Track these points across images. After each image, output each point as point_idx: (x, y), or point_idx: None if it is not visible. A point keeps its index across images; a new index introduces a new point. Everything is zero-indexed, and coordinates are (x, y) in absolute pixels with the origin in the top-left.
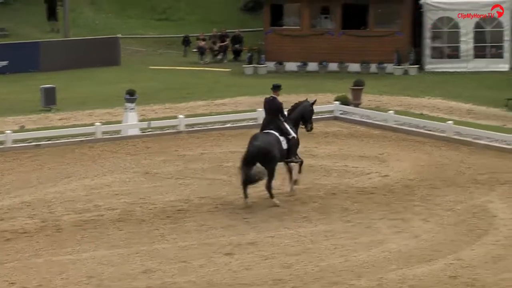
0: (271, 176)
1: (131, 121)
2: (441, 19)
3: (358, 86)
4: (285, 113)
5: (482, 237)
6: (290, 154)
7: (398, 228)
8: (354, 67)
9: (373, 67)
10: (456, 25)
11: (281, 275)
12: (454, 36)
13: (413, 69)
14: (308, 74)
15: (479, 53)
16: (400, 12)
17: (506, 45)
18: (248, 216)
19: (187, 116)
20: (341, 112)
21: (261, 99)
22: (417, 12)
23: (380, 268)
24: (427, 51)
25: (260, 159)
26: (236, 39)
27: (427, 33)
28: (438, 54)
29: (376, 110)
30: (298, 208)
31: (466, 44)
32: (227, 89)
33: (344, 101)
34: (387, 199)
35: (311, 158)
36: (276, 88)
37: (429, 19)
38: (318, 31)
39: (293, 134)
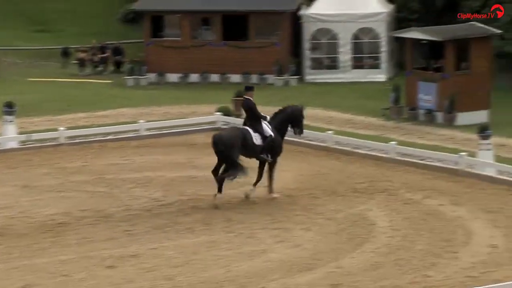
0: (229, 166)
1: (10, 133)
2: (320, 31)
3: (239, 97)
4: (261, 113)
5: (362, 245)
6: (265, 151)
7: (280, 238)
8: (236, 78)
9: (254, 78)
10: (334, 36)
11: (164, 287)
12: (333, 47)
13: (293, 80)
14: (190, 85)
15: (357, 63)
16: (280, 23)
17: (383, 55)
18: (130, 228)
19: (68, 128)
20: (223, 123)
21: (142, 110)
22: (297, 24)
23: (262, 278)
24: (307, 62)
25: (219, 149)
26: (117, 51)
27: (307, 44)
28: (318, 65)
29: None
30: (181, 219)
31: (345, 55)
32: (108, 100)
33: (226, 112)
34: (269, 209)
35: (194, 169)
36: (248, 89)
37: (308, 30)
38: (199, 42)
39: (270, 133)
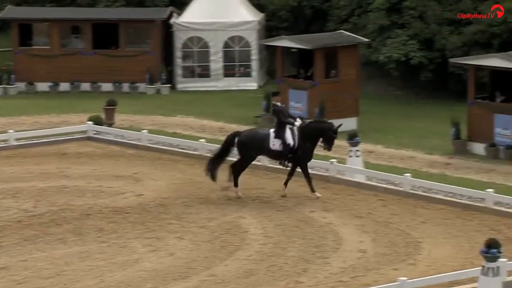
0: (241, 164)
1: None
2: (191, 39)
3: (111, 106)
4: (289, 119)
5: (235, 252)
6: (283, 158)
7: (153, 247)
8: (107, 86)
9: (126, 87)
10: (205, 45)
11: None
12: (204, 55)
13: (165, 89)
14: (60, 94)
15: (229, 72)
16: (150, 31)
17: (254, 64)
18: None
19: None
20: (94, 132)
21: (11, 120)
22: (168, 32)
23: (135, 287)
24: (179, 71)
25: (236, 146)
26: None
27: (178, 53)
28: (189, 73)
29: (130, 130)
30: (53, 230)
31: (216, 63)
32: None
33: (97, 121)
34: (142, 218)
35: (65, 179)
36: (274, 94)
37: (179, 38)
38: (69, 51)
39: (290, 141)
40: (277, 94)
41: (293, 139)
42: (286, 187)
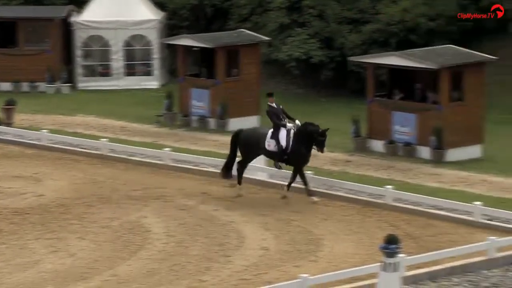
0: (242, 159)
1: None
2: (91, 38)
3: (9, 106)
4: (281, 121)
5: (138, 252)
6: (277, 158)
7: (54, 248)
8: (6, 86)
9: (25, 86)
10: (106, 44)
11: None
12: (105, 54)
13: (66, 88)
14: None
15: (130, 71)
16: (49, 30)
17: (155, 63)
18: None
19: None
20: None
21: None
22: (68, 31)
23: None
24: (79, 70)
25: (238, 143)
26: None
27: (78, 52)
28: (90, 72)
29: (30, 129)
30: None
31: (117, 62)
32: None
33: None
34: (43, 219)
35: None
36: (268, 95)
37: (79, 37)
38: None
39: (283, 143)
40: (271, 95)
41: (287, 140)
42: (288, 189)
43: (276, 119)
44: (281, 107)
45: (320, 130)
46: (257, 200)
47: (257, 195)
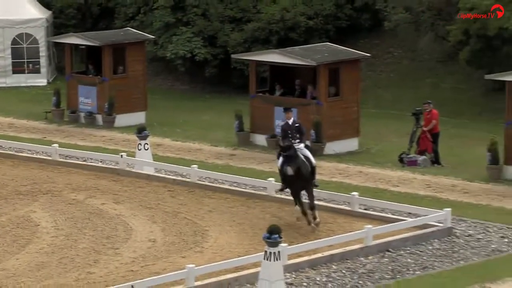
0: None
1: None
2: None
3: None
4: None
5: (26, 246)
6: None
7: None
8: None
9: None
10: None
11: None
12: None
13: None
14: None
15: (18, 68)
16: None
17: (42, 60)
18: None
19: None
20: None
21: None
22: None
23: None
24: None
25: None
26: None
27: None
28: None
29: None
30: None
31: (5, 59)
32: None
33: None
34: None
35: None
36: (285, 110)
37: None
38: None
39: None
40: (287, 110)
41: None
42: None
43: (282, 138)
44: (296, 124)
45: (281, 148)
46: (144, 194)
47: (143, 188)
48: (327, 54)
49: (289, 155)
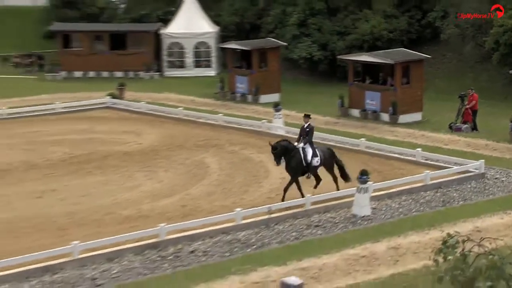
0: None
1: None
2: (172, 43)
3: (121, 86)
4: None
5: (201, 180)
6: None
7: (149, 177)
8: (119, 74)
9: (131, 74)
10: (182, 47)
11: (72, 209)
12: (182, 53)
13: (156, 75)
14: (89, 79)
15: (197, 64)
16: (146, 38)
17: (213, 59)
18: (50, 172)
19: (8, 108)
20: (111, 103)
21: (58, 96)
22: (158, 39)
23: (138, 203)
24: (165, 63)
25: None
26: (40, 57)
27: (165, 52)
28: (172, 65)
29: (134, 102)
30: (84, 166)
31: (189, 58)
32: (34, 90)
33: (113, 96)
34: (142, 158)
35: (92, 133)
36: (304, 116)
37: (165, 43)
38: (94, 51)
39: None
40: (306, 116)
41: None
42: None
43: (298, 137)
44: (307, 129)
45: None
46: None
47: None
48: (401, 56)
49: (276, 152)
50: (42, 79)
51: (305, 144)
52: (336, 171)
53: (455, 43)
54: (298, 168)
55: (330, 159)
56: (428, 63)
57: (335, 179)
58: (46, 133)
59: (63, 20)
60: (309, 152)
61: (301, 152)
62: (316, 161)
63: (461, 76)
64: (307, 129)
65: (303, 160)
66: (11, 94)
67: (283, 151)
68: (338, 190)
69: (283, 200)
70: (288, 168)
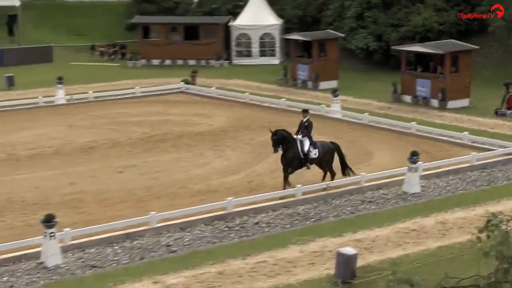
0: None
1: (60, 95)
2: (241, 34)
3: (194, 73)
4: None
5: (266, 159)
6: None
7: (218, 155)
8: (192, 62)
9: (203, 62)
10: (249, 37)
11: (151, 183)
12: (249, 44)
13: (226, 63)
14: (165, 67)
15: (262, 53)
16: (217, 30)
17: (277, 48)
18: (131, 149)
19: (94, 92)
20: (185, 88)
21: (137, 81)
22: (228, 30)
23: (208, 178)
24: (234, 53)
25: None
26: (123, 47)
27: (233, 42)
28: (240, 54)
29: (205, 87)
30: (160, 144)
31: (255, 48)
32: (117, 76)
33: (186, 82)
34: (212, 138)
35: (167, 115)
36: (303, 111)
37: (234, 34)
38: (170, 41)
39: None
40: (304, 111)
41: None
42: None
43: (297, 131)
44: (306, 123)
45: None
46: (335, 129)
47: (335, 126)
48: (451, 47)
49: (276, 139)
50: (124, 66)
51: (303, 137)
52: (337, 165)
53: (502, 35)
54: (293, 160)
55: (330, 154)
56: (476, 54)
57: (324, 174)
58: (127, 114)
59: (143, 14)
60: (306, 144)
61: (298, 144)
62: (314, 153)
63: (507, 66)
64: (306, 124)
65: (300, 152)
66: (97, 80)
67: (281, 140)
68: (323, 182)
69: (284, 188)
70: (283, 159)
